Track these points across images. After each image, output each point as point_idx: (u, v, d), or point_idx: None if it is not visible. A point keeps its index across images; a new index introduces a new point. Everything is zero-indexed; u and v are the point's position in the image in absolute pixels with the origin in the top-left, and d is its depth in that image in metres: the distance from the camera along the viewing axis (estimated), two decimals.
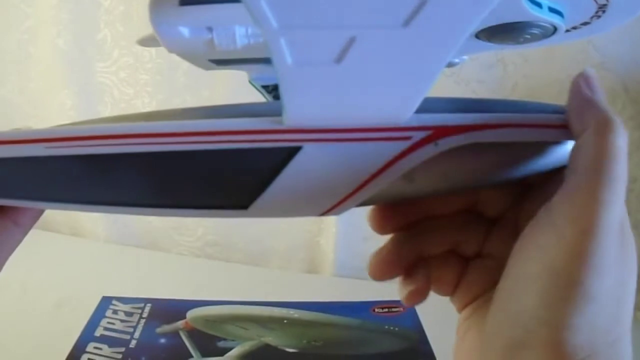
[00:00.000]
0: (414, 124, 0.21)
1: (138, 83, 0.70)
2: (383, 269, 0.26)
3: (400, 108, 0.21)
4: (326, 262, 0.69)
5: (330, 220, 0.67)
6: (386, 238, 0.27)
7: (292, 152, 0.21)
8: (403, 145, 0.21)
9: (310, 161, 0.22)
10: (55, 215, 0.76)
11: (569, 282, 0.19)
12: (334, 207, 0.23)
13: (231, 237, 0.73)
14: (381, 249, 0.27)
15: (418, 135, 0.21)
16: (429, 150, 0.21)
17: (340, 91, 0.20)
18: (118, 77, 0.71)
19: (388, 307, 0.55)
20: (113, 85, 0.71)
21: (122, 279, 0.62)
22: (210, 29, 0.22)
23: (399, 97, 0.21)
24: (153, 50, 0.68)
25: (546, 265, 0.19)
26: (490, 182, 0.25)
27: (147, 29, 0.22)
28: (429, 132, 0.21)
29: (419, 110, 0.21)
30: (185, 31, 0.22)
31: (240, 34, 0.23)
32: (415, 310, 0.55)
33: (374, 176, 0.22)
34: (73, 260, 0.67)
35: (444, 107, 0.23)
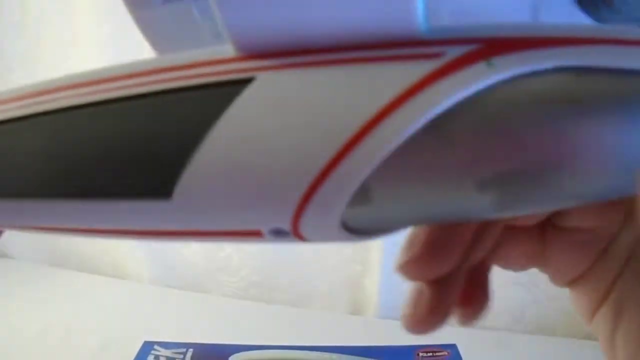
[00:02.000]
0: (446, 34, 0.13)
1: None
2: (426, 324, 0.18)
3: (399, 6, 0.12)
4: (370, 303, 0.67)
5: (375, 259, 0.65)
6: None
7: (233, 89, 0.13)
8: (427, 65, 0.12)
9: (267, 101, 0.13)
10: (101, 256, 0.76)
11: None
12: (316, 185, 0.13)
13: (275, 278, 0.72)
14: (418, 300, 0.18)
15: (455, 51, 0.12)
16: (477, 75, 0.12)
17: None
18: None
19: (432, 352, 0.52)
20: None
21: (164, 322, 0.61)
22: None
23: None
24: None
25: None
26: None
27: None
28: (475, 46, 0.12)
29: None
30: None
31: None
32: (459, 355, 0.52)
33: (377, 120, 0.12)
34: (116, 303, 0.67)
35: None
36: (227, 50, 0.14)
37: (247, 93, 0.13)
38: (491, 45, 0.12)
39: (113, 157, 0.14)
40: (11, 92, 0.16)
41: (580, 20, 0.16)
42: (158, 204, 0.14)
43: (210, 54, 0.14)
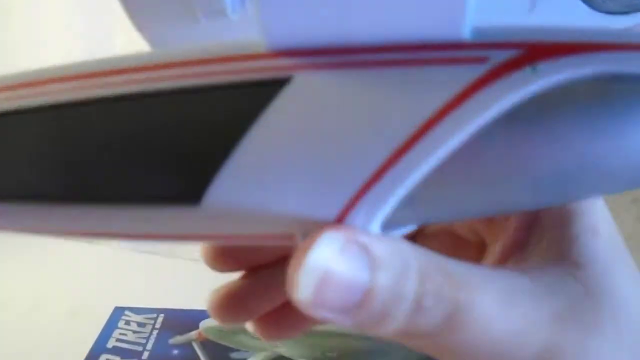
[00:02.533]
0: (490, 37, 0.13)
1: None
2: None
3: (446, 9, 0.12)
4: None
5: None
6: None
7: (270, 88, 0.13)
8: (474, 70, 0.12)
9: (307, 103, 0.13)
10: None
11: None
12: (363, 191, 0.13)
13: None
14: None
15: (499, 55, 0.12)
16: (522, 81, 0.12)
17: None
18: None
19: None
20: None
21: (135, 288, 0.61)
22: None
23: None
24: None
25: None
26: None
27: None
28: (518, 51, 0.12)
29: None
30: None
31: None
32: None
33: (430, 124, 0.12)
34: (86, 268, 0.66)
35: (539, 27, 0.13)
36: (255, 44, 0.13)
37: (286, 93, 0.13)
38: (534, 51, 0.12)
39: (136, 159, 0.13)
40: (16, 77, 0.14)
41: (577, 8, 0.17)
42: (183, 210, 0.13)
43: (238, 48, 0.13)
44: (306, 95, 0.13)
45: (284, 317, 0.22)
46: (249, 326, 0.22)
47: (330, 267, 0.13)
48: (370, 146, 0.12)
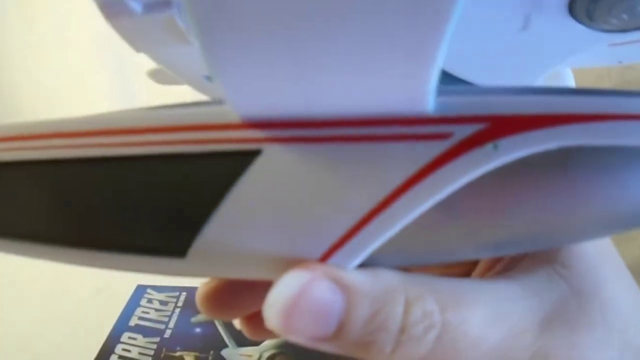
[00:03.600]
0: (454, 111, 0.13)
1: None
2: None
3: (409, 70, 0.12)
4: None
5: None
6: None
7: (244, 160, 0.14)
8: (437, 147, 0.13)
9: (276, 175, 0.14)
10: None
11: None
12: (326, 256, 0.14)
13: None
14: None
15: (463, 131, 0.13)
16: (483, 158, 0.13)
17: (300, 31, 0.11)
18: None
19: None
20: (149, 65, 0.71)
21: None
22: (167, 2, 0.16)
23: (400, 51, 0.11)
24: None
25: None
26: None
27: None
28: (481, 126, 0.13)
29: (458, 94, 0.13)
30: (136, 5, 0.16)
31: None
32: None
33: (385, 204, 0.13)
34: None
35: (505, 91, 0.13)
36: (228, 111, 0.14)
37: (257, 165, 0.14)
38: (497, 125, 0.13)
39: (126, 217, 0.15)
40: (17, 127, 0.16)
41: (572, 30, 0.17)
42: (170, 260, 0.15)
43: (213, 116, 0.14)
44: (275, 168, 0.14)
45: None
46: (236, 323, 0.22)
47: (298, 297, 0.13)
48: (333, 220, 0.13)
